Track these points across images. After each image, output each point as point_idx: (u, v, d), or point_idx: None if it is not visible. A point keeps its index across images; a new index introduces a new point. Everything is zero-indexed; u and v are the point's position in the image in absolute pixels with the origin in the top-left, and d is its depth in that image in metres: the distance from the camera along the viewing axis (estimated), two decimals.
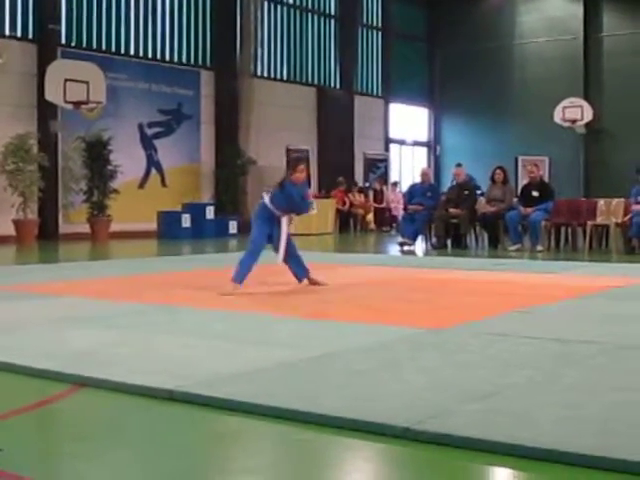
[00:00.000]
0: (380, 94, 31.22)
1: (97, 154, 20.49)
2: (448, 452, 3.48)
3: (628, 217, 15.72)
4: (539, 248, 16.13)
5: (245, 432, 3.90)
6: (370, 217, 26.50)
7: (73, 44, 21.48)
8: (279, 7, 27.36)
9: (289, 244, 9.33)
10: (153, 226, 21.37)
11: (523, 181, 21.07)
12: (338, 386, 4.41)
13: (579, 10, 29.88)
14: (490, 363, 5.01)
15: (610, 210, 16.58)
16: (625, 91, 28.58)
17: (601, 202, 16.96)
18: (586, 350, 5.42)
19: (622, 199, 16.65)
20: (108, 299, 8.23)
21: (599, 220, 16.53)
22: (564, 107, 27.57)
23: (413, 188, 18.78)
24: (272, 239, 9.33)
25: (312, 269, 9.47)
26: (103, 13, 22.11)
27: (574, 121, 27.60)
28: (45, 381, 4.75)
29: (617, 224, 16.13)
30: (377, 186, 27.87)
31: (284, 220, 9.25)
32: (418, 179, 19.55)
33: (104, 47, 22.14)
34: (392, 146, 31.76)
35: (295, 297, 8.66)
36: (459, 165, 18.33)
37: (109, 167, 20.65)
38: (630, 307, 7.61)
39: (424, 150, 33.35)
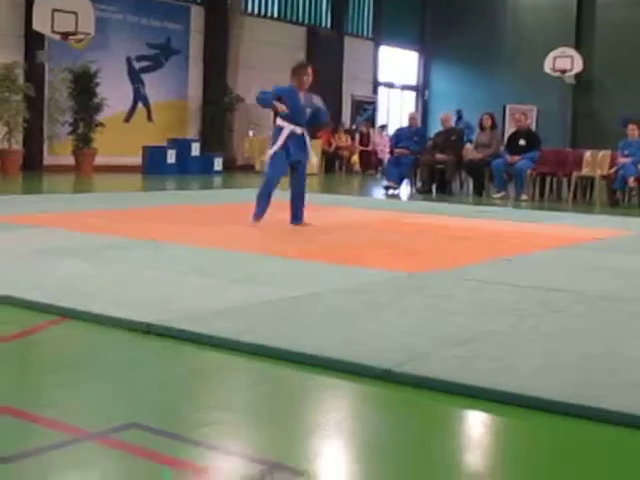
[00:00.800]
0: (370, 36, 31.00)
1: (84, 86, 20.29)
2: (427, 394, 3.51)
3: (614, 169, 15.73)
4: (524, 197, 16.15)
5: (224, 369, 3.91)
6: (355, 159, 26.44)
7: None
8: None
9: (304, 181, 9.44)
10: (138, 161, 21.25)
11: (511, 129, 21.02)
12: (320, 326, 4.43)
13: None
14: (471, 309, 5.02)
15: (596, 162, 16.58)
16: (616, 43, 28.44)
17: (587, 153, 16.95)
18: (566, 299, 5.44)
19: (609, 151, 16.65)
20: (91, 232, 8.20)
21: (585, 171, 16.53)
22: (555, 57, 27.43)
23: (400, 132, 18.72)
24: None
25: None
26: None
27: (564, 71, 27.48)
28: (26, 312, 4.74)
29: (602, 176, 16.14)
30: (364, 129, 27.77)
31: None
32: (406, 123, 19.49)
33: None
34: (380, 89, 31.58)
35: (280, 237, 8.65)
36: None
37: (95, 100, 20.46)
38: (611, 259, 7.64)
39: (413, 94, 33.19)
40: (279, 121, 9.47)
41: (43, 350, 4.18)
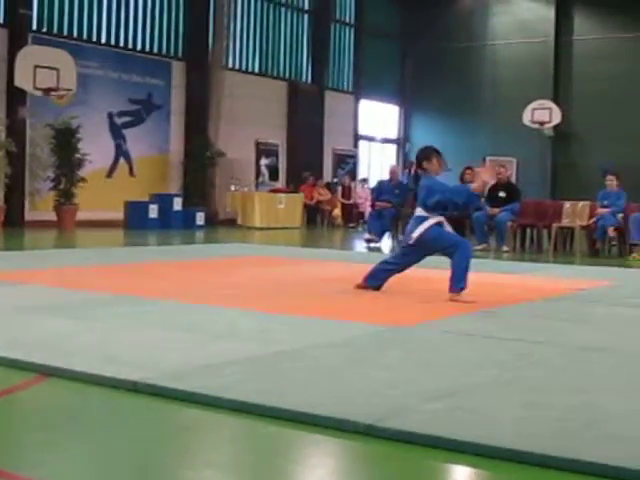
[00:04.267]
0: (351, 90, 31.25)
1: (65, 142, 20.37)
2: (410, 449, 3.52)
3: (593, 220, 15.86)
4: (505, 248, 16.25)
5: (208, 425, 3.92)
6: (337, 213, 26.55)
7: (44, 30, 21.34)
8: (252, 0, 27.32)
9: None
10: (120, 216, 21.31)
11: (491, 182, 21.14)
12: (302, 381, 4.45)
13: (551, 13, 30.05)
14: (453, 362, 5.06)
15: (576, 212, 16.71)
16: (593, 95, 28.78)
17: (567, 204, 17.09)
18: (547, 351, 5.49)
19: (588, 202, 16.79)
20: (74, 288, 8.20)
21: (565, 222, 16.66)
22: (533, 109, 27.72)
23: (381, 185, 18.84)
24: None
25: (279, 264, 9.49)
26: (75, 0, 21.97)
27: (542, 123, 27.75)
28: (9, 370, 4.74)
29: (582, 227, 16.27)
30: (345, 182, 27.92)
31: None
32: (387, 176, 19.62)
33: (75, 34, 22.02)
34: (361, 142, 31.80)
35: (262, 291, 8.67)
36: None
37: (77, 155, 20.53)
38: (591, 310, 7.70)
39: (393, 147, 33.43)
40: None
41: (25, 409, 4.17)
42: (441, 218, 8.48)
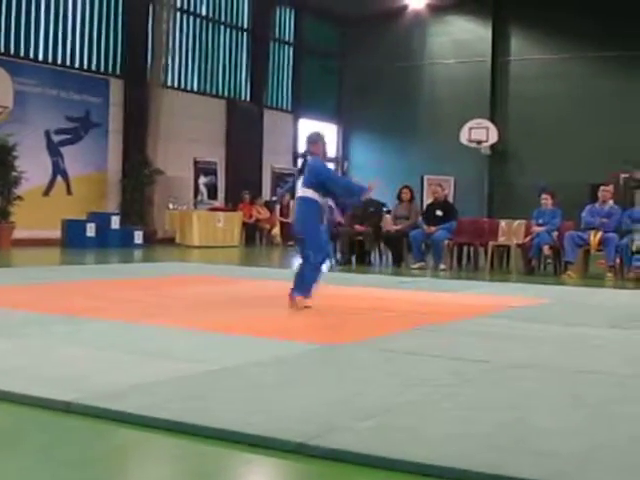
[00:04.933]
0: (290, 109, 31.34)
1: (1, 159, 20.15)
2: (342, 468, 3.54)
3: (529, 238, 16.04)
4: (442, 267, 16.36)
5: (141, 445, 3.91)
6: (276, 231, 26.54)
7: None
8: (191, 18, 27.30)
9: None
10: (57, 234, 21.12)
11: (428, 200, 21.32)
12: (235, 400, 4.46)
13: (488, 34, 30.37)
14: (387, 380, 5.09)
15: (512, 231, 16.89)
16: (530, 115, 29.13)
17: (503, 223, 17.28)
18: (478, 368, 5.55)
19: (523, 220, 16.98)
20: (8, 307, 8.13)
21: (501, 240, 16.83)
22: (470, 128, 27.97)
23: None
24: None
25: (215, 283, 9.48)
26: (12, 17, 21.81)
27: (479, 142, 28.01)
28: None
29: (518, 245, 16.44)
30: (284, 200, 27.94)
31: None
32: None
33: (12, 51, 21.83)
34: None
35: (196, 310, 8.66)
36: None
37: (14, 173, 20.35)
38: (524, 327, 7.78)
39: (332, 166, 33.55)
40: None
41: None
42: (329, 203, 8.61)
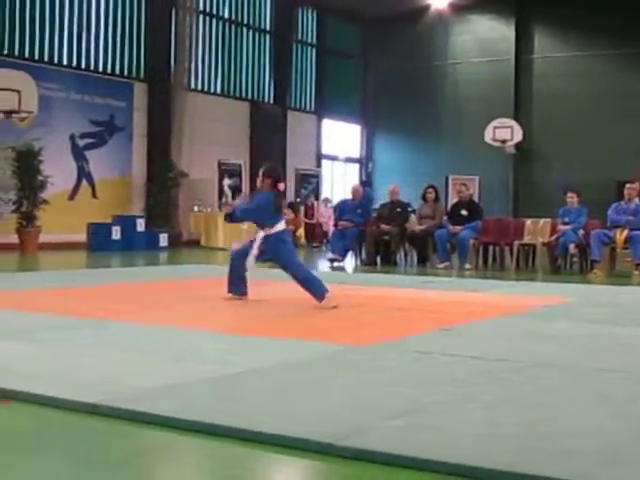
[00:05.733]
0: (313, 110, 31.36)
1: (27, 164, 20.30)
2: (370, 468, 3.53)
3: (554, 237, 15.98)
4: (467, 266, 16.33)
5: (168, 447, 3.92)
6: (301, 232, 26.55)
7: (5, 52, 21.29)
8: (214, 21, 27.38)
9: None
10: (83, 238, 21.23)
11: (453, 200, 21.29)
12: (262, 402, 4.46)
13: (511, 32, 30.32)
14: (412, 380, 5.08)
15: (537, 230, 16.84)
16: (554, 113, 29.05)
17: (528, 222, 17.23)
18: (505, 368, 5.52)
19: (549, 219, 16.93)
20: (35, 311, 8.17)
21: (526, 239, 16.79)
22: (494, 127, 27.90)
23: (343, 204, 18.88)
24: None
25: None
26: (36, 22, 21.94)
27: (504, 141, 27.94)
28: None
29: (544, 244, 16.39)
30: (308, 202, 27.97)
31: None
32: (349, 195, 19.67)
33: (37, 56, 21.98)
34: (324, 162, 31.88)
35: (222, 312, 8.68)
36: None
37: (39, 177, 20.47)
38: (551, 326, 7.75)
39: (356, 167, 33.53)
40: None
41: None
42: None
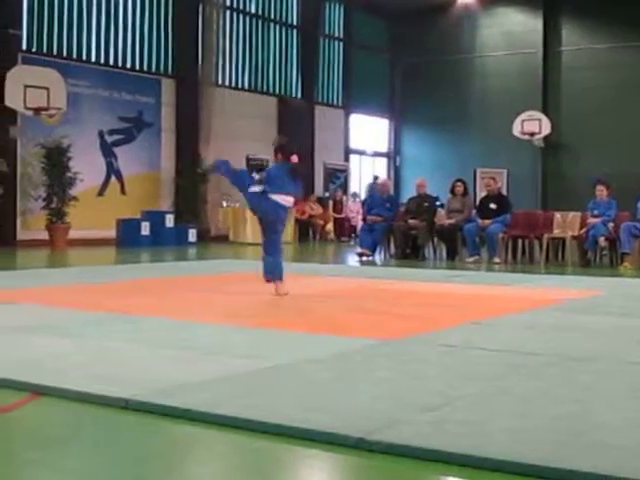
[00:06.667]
0: (341, 104, 31.34)
1: (56, 161, 20.41)
2: (401, 462, 3.52)
3: (584, 230, 15.90)
4: (496, 260, 16.28)
5: (200, 441, 3.93)
6: (330, 227, 26.57)
7: (34, 50, 21.40)
8: (241, 16, 27.41)
9: None
10: (112, 234, 21.32)
11: (482, 193, 21.24)
12: (293, 396, 4.46)
13: (539, 24, 30.18)
14: (443, 374, 5.07)
15: (566, 223, 16.76)
16: (583, 105, 28.91)
17: (558, 215, 17.15)
18: (536, 361, 5.50)
19: (578, 212, 16.85)
20: (66, 307, 8.21)
21: (556, 233, 16.71)
22: (523, 120, 27.77)
23: (372, 199, 18.87)
24: None
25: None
26: (64, 19, 22.04)
27: (532, 134, 27.81)
28: (2, 389, 4.73)
29: (573, 237, 16.31)
30: (337, 196, 27.97)
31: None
32: (378, 189, 19.67)
33: (65, 53, 22.08)
34: (352, 156, 31.86)
35: (253, 307, 8.70)
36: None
37: (68, 174, 20.57)
38: (581, 320, 7.72)
39: (384, 161, 33.49)
40: None
41: (19, 428, 4.17)
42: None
